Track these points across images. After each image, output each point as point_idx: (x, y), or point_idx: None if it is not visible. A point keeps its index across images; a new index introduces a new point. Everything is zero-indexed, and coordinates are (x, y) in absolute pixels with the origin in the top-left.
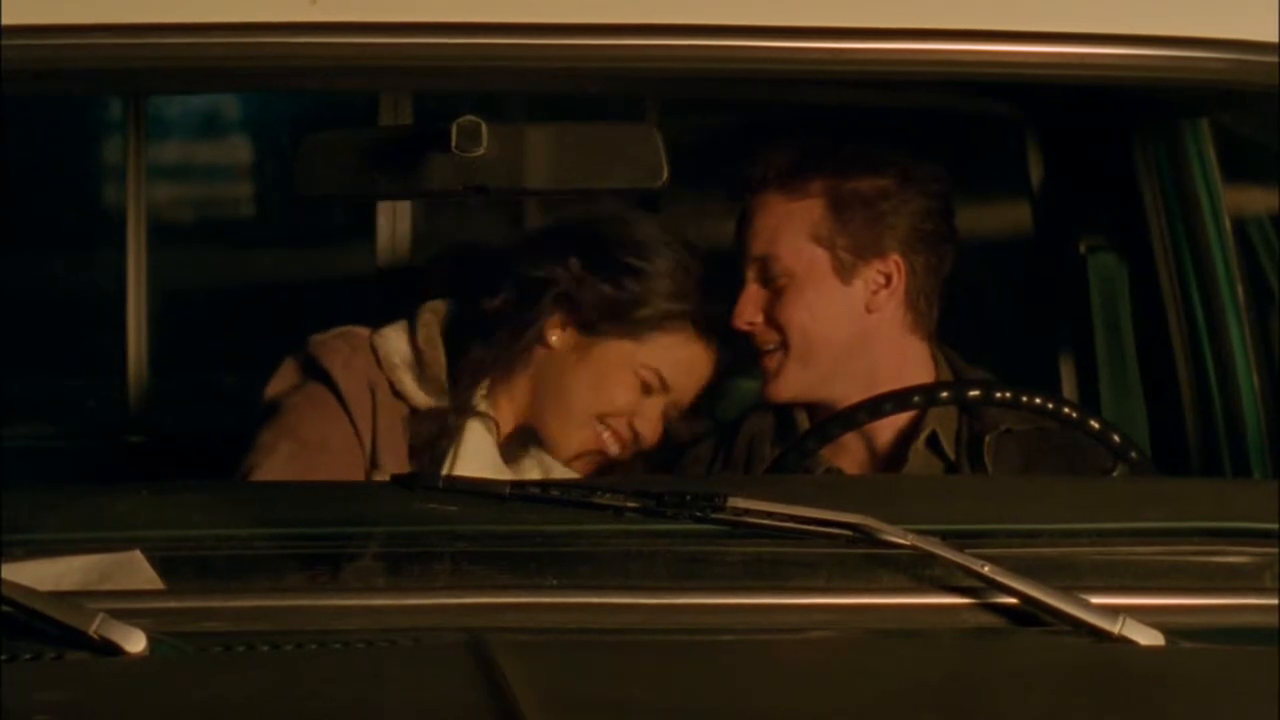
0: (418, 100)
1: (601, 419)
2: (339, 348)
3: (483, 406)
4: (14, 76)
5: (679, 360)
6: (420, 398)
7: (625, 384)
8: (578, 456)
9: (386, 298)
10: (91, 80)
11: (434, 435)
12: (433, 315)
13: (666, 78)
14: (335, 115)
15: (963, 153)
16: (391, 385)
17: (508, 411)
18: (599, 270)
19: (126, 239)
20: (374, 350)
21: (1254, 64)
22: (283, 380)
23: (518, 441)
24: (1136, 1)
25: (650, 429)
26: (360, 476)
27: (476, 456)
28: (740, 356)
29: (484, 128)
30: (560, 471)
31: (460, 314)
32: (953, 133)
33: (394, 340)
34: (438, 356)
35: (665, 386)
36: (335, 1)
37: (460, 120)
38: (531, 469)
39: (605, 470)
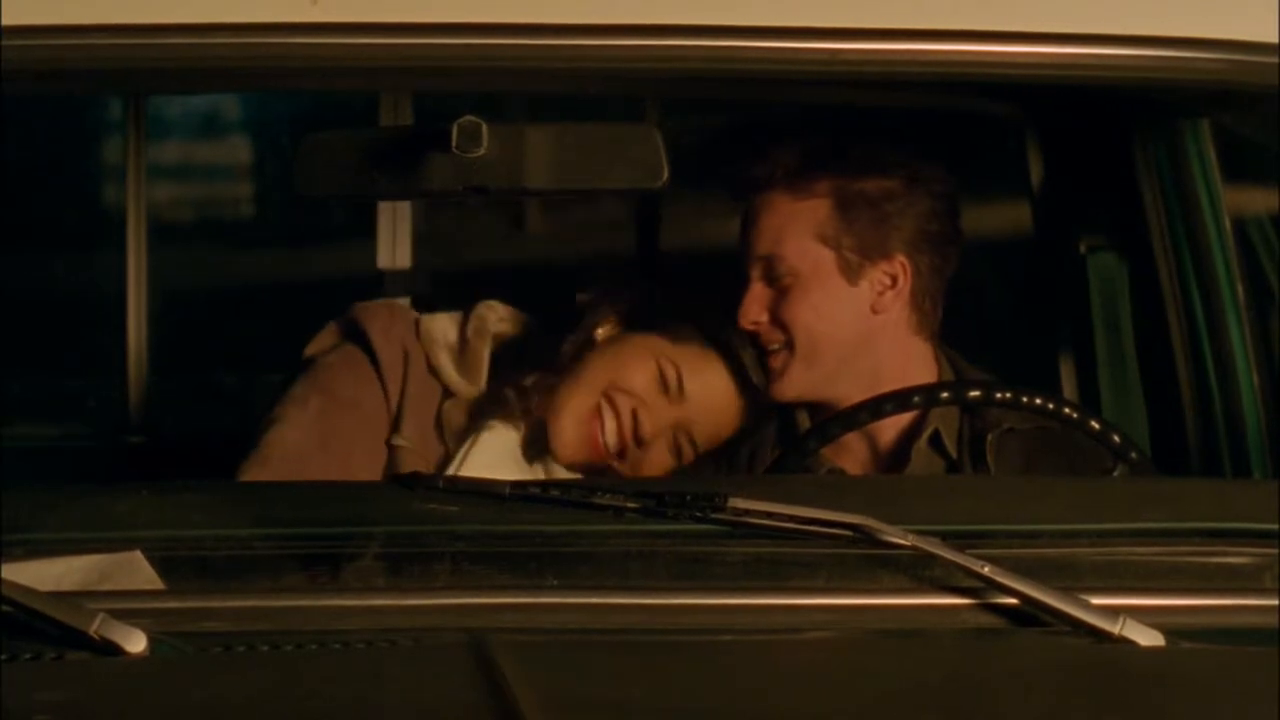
0: (418, 100)
1: (607, 391)
2: (382, 313)
3: (515, 400)
4: (14, 76)
5: (704, 375)
6: (454, 379)
7: (644, 367)
8: (572, 427)
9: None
10: (91, 80)
11: (461, 418)
12: (488, 311)
13: (666, 78)
14: (335, 115)
15: (963, 153)
16: (428, 361)
17: (537, 409)
18: (676, 292)
19: (126, 239)
20: (418, 326)
21: (1254, 64)
22: (323, 341)
23: (540, 440)
24: (1136, 1)
25: (651, 432)
26: (384, 441)
27: (497, 450)
28: (763, 420)
29: (484, 128)
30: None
31: (519, 318)
32: (953, 133)
33: (442, 323)
34: (481, 349)
35: (682, 392)
36: (335, 1)
37: (460, 120)
38: (552, 468)
39: (598, 472)
